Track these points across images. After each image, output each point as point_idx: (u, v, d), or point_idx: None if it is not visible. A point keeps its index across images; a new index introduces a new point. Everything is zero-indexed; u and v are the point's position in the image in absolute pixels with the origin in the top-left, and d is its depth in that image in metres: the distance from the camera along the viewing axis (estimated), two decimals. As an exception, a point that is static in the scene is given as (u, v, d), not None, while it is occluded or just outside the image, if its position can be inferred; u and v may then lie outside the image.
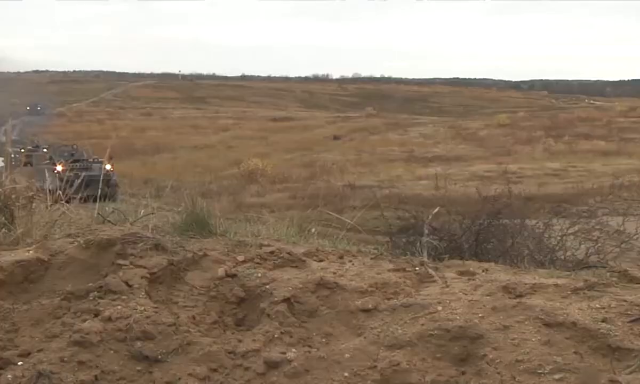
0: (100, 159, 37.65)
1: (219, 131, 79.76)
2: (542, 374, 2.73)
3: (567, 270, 4.32)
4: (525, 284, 3.51)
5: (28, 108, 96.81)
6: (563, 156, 47.58)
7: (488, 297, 3.37)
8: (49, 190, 5.60)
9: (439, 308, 3.25)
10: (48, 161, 36.94)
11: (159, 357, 3.05)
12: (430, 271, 3.86)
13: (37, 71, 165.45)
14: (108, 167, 35.49)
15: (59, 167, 29.83)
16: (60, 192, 5.34)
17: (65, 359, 2.98)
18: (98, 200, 5.96)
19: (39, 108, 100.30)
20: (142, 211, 4.86)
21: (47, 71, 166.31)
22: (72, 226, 4.43)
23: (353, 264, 3.98)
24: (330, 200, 28.61)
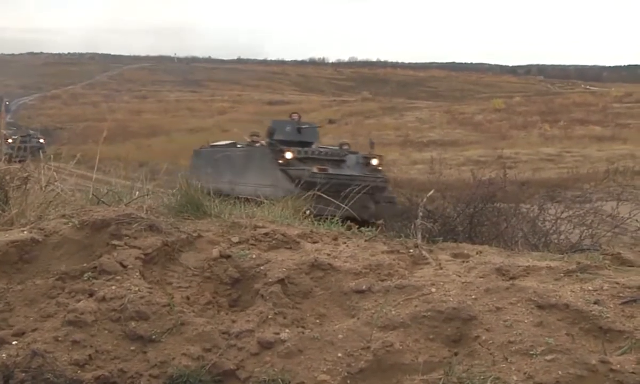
0: (350, 148, 19.64)
1: (214, 114, 79.49)
2: (534, 356, 2.75)
3: (561, 253, 4.33)
4: (519, 266, 3.53)
5: None
6: (558, 141, 47.54)
7: (481, 279, 3.39)
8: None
9: (433, 290, 3.26)
10: (249, 143, 20.19)
11: (153, 337, 3.06)
12: (424, 253, 3.88)
13: (31, 53, 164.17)
14: (374, 162, 18.34)
15: (288, 155, 17.06)
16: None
17: (60, 338, 3.00)
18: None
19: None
20: (137, 192, 4.85)
21: (41, 53, 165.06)
22: (66, 207, 4.42)
23: (347, 245, 3.99)
24: (325, 183, 28.49)
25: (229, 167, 18.74)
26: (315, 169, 16.10)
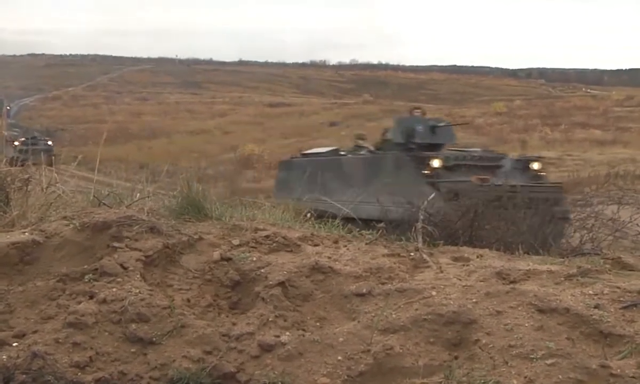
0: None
1: (215, 116, 79.60)
2: (535, 360, 2.74)
3: (561, 257, 4.33)
4: (519, 270, 3.53)
5: None
6: (559, 145, 47.56)
7: (482, 282, 3.39)
8: None
9: (433, 293, 3.26)
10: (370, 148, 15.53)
11: (154, 339, 3.06)
12: (424, 256, 3.88)
13: (32, 54, 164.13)
14: (535, 166, 13.84)
15: (435, 162, 13.03)
16: None
17: (60, 340, 3.00)
18: None
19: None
20: (138, 194, 4.85)
21: (43, 54, 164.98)
22: (67, 209, 4.42)
23: (348, 249, 3.99)
24: (326, 186, 28.46)
25: (341, 181, 14.46)
26: (474, 180, 12.34)
